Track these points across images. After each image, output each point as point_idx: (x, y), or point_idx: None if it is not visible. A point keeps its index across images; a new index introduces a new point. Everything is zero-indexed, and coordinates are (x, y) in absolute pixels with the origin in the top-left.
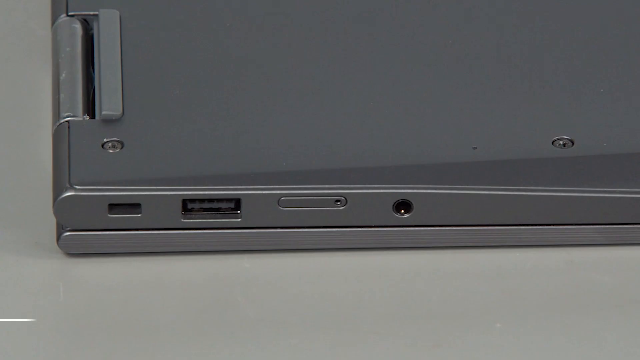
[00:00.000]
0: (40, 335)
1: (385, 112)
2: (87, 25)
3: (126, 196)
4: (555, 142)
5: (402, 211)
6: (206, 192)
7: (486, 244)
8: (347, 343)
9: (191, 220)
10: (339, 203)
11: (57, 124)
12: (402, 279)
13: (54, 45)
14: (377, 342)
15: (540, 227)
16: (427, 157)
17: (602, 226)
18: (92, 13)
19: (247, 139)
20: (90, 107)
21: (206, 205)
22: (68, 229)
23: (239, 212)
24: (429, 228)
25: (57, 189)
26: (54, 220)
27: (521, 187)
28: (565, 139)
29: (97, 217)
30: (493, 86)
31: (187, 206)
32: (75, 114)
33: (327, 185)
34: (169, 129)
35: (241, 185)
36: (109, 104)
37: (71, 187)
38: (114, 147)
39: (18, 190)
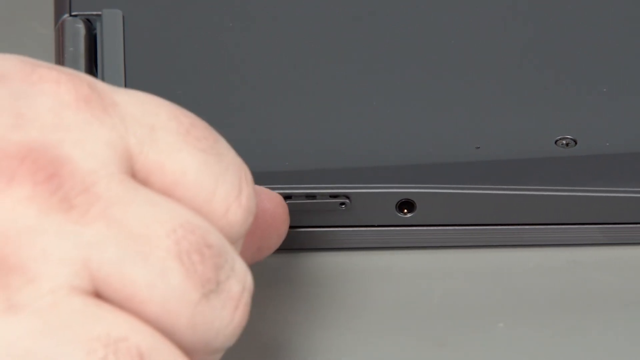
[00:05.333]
0: None
1: (387, 112)
2: (91, 25)
3: None
4: (558, 142)
5: (405, 211)
6: None
7: (489, 244)
8: (350, 343)
9: None
10: (341, 204)
11: None
12: (405, 278)
13: (57, 45)
14: (380, 342)
15: (543, 226)
16: (430, 156)
17: (605, 226)
18: (95, 13)
19: (249, 139)
20: None
21: None
22: None
23: None
24: (431, 228)
25: None
26: None
27: (524, 187)
28: (568, 138)
29: None
30: (496, 85)
31: None
32: None
33: (329, 185)
34: None
35: None
36: None
37: None
38: None
39: None
